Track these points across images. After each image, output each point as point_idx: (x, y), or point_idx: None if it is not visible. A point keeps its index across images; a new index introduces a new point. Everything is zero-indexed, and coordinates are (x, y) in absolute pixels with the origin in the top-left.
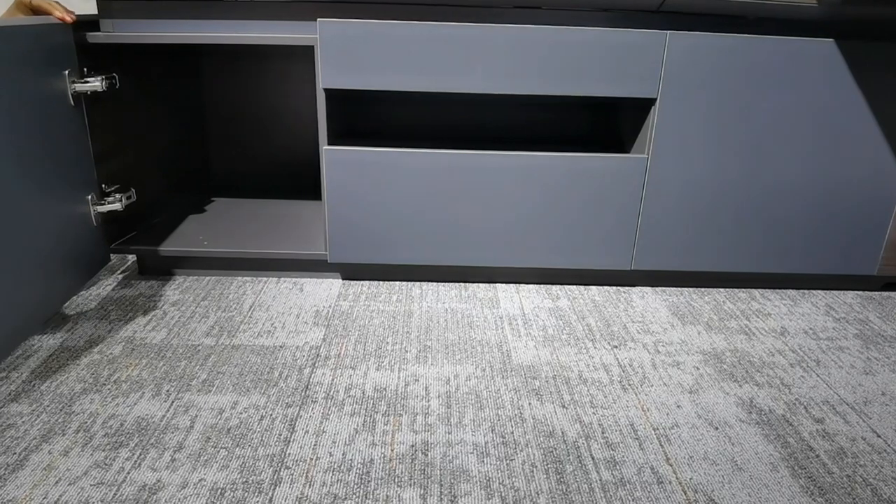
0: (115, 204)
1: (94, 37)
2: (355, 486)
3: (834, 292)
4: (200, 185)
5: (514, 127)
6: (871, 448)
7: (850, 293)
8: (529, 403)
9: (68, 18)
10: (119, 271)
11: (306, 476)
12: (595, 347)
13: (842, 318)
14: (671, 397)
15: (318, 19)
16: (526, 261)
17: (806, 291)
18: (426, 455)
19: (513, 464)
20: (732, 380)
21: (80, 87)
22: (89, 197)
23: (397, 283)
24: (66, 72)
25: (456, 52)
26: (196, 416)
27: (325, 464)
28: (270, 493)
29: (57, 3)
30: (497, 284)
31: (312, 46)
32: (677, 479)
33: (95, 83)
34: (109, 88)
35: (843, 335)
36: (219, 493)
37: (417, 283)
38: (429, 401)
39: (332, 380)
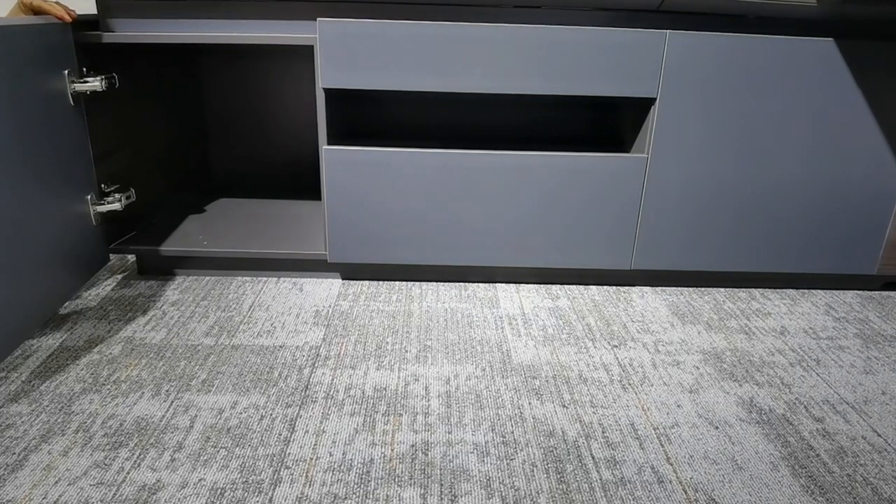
0: (114, 204)
1: (93, 36)
2: (355, 486)
3: (834, 292)
4: (200, 185)
5: (514, 127)
6: (872, 447)
7: (850, 292)
8: (529, 403)
9: (68, 17)
10: (118, 271)
11: (306, 476)
12: (595, 347)
13: (842, 317)
14: (671, 397)
15: (318, 19)
16: (526, 260)
17: (806, 291)
18: (426, 455)
19: (513, 463)
20: (732, 379)
21: (79, 86)
22: (89, 197)
23: (397, 282)
24: (66, 71)
25: (456, 52)
26: (196, 415)
27: (325, 463)
28: (270, 493)
29: (57, 2)
30: (497, 284)
31: (312, 46)
32: (678, 478)
33: (95, 83)
34: (109, 88)
35: (843, 334)
36: (219, 492)
37: (417, 283)
38: (429, 400)
39: (332, 380)
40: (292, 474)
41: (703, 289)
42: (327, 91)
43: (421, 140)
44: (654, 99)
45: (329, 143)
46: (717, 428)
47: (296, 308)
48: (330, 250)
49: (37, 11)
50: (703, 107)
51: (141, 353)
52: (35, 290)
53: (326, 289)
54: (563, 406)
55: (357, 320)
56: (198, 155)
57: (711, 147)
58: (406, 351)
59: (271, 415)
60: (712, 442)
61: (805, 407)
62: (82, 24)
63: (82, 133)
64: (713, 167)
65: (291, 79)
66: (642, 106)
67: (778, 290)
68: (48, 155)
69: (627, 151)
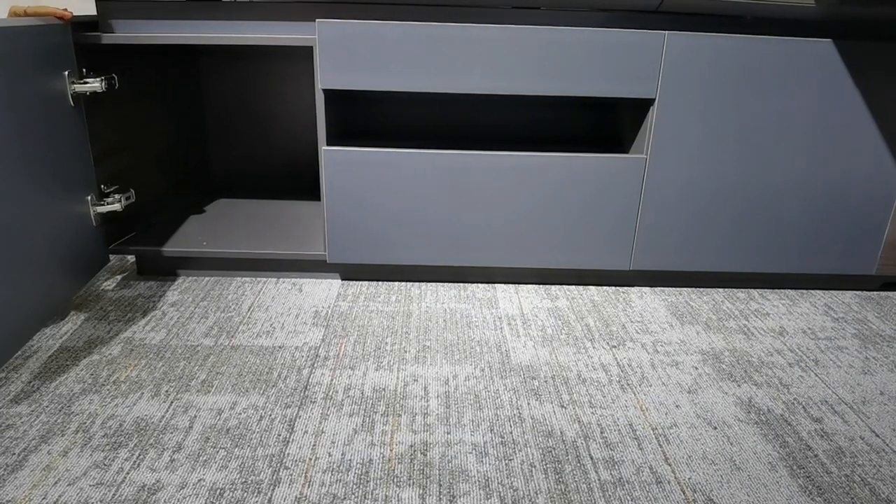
0: (114, 204)
1: (93, 37)
2: (354, 486)
3: (833, 292)
4: (200, 185)
5: (513, 127)
6: (870, 447)
7: (849, 293)
8: (528, 403)
9: (68, 14)
10: (118, 272)
11: (305, 476)
12: (594, 347)
13: (840, 317)
14: (670, 397)
15: (317, 20)
16: (525, 261)
17: (805, 291)
18: (425, 455)
19: (511, 464)
20: (731, 379)
21: (79, 87)
22: (89, 197)
23: (396, 283)
24: (66, 72)
25: (455, 53)
26: (195, 416)
27: (324, 464)
28: (269, 494)
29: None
30: (496, 285)
31: (311, 47)
32: (676, 478)
33: (95, 84)
34: (109, 89)
35: (842, 335)
36: (218, 493)
37: (416, 284)
38: (428, 401)
39: (331, 380)
40: (291, 475)
41: (701, 289)
42: (327, 92)
43: (421, 140)
44: (653, 99)
45: (329, 144)
46: (715, 428)
47: (295, 308)
48: (329, 251)
49: (30, 17)
50: (701, 107)
51: (140, 354)
52: (36, 290)
53: (326, 289)
54: (562, 406)
55: (356, 321)
56: (198, 155)
57: (710, 147)
58: (405, 351)
59: (270, 415)
60: (711, 442)
61: (803, 407)
62: (81, 24)
63: (82, 134)
64: (712, 168)
65: (291, 79)
66: (641, 106)
67: (777, 290)
68: (48, 156)
69: (626, 152)
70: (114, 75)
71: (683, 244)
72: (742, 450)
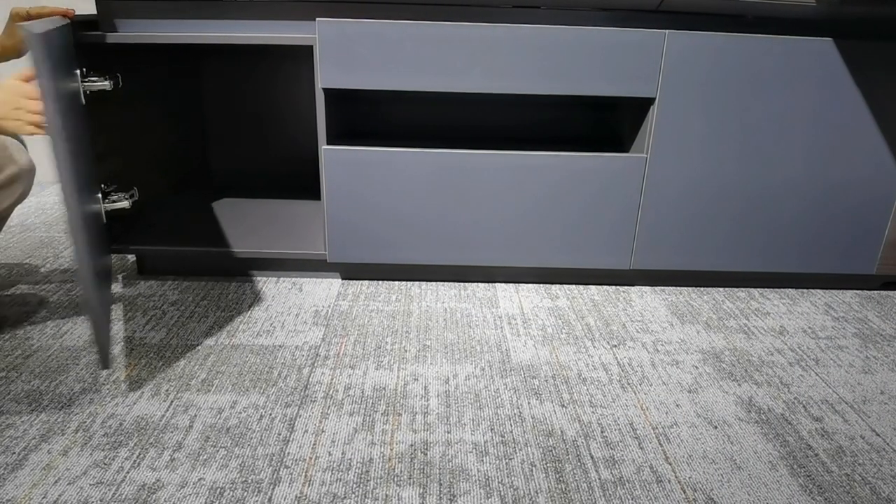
0: (122, 202)
1: (96, 36)
2: (354, 486)
3: (833, 291)
4: (200, 185)
5: (514, 127)
6: (870, 447)
7: (849, 292)
8: (528, 403)
9: (71, 12)
10: (118, 271)
11: (305, 475)
12: (594, 347)
13: (841, 317)
14: (670, 396)
15: (318, 19)
16: (525, 260)
17: (805, 291)
18: (425, 454)
19: (512, 463)
20: (731, 379)
21: (89, 86)
22: (99, 195)
23: (396, 282)
24: (78, 72)
25: (455, 52)
26: (195, 415)
27: (325, 463)
28: (270, 493)
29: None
30: (496, 284)
31: (312, 46)
32: (676, 477)
33: (105, 83)
34: (113, 88)
35: (842, 334)
36: (218, 492)
37: (417, 283)
38: (428, 400)
39: (332, 379)
40: (291, 474)
41: (702, 288)
42: (327, 91)
43: (421, 140)
44: (654, 99)
45: (329, 143)
46: (715, 427)
47: (295, 308)
48: (329, 250)
49: (34, 18)
50: (702, 107)
51: (141, 353)
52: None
53: (326, 288)
54: (562, 406)
55: (356, 320)
56: (198, 155)
57: (710, 147)
58: (405, 350)
59: (270, 414)
60: (711, 441)
61: (804, 406)
62: (82, 24)
63: (88, 133)
64: (712, 167)
65: (291, 79)
66: (641, 106)
67: (777, 289)
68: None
69: (627, 151)
70: (118, 74)
71: (683, 244)
72: (742, 449)
